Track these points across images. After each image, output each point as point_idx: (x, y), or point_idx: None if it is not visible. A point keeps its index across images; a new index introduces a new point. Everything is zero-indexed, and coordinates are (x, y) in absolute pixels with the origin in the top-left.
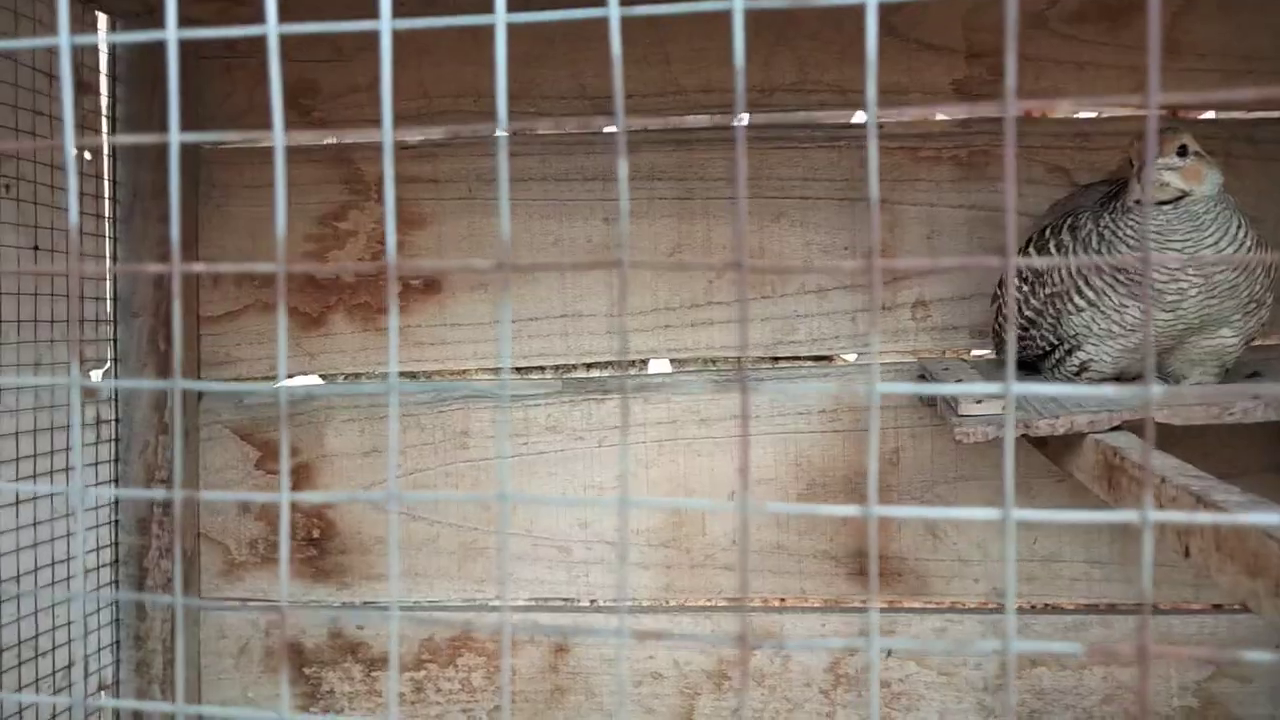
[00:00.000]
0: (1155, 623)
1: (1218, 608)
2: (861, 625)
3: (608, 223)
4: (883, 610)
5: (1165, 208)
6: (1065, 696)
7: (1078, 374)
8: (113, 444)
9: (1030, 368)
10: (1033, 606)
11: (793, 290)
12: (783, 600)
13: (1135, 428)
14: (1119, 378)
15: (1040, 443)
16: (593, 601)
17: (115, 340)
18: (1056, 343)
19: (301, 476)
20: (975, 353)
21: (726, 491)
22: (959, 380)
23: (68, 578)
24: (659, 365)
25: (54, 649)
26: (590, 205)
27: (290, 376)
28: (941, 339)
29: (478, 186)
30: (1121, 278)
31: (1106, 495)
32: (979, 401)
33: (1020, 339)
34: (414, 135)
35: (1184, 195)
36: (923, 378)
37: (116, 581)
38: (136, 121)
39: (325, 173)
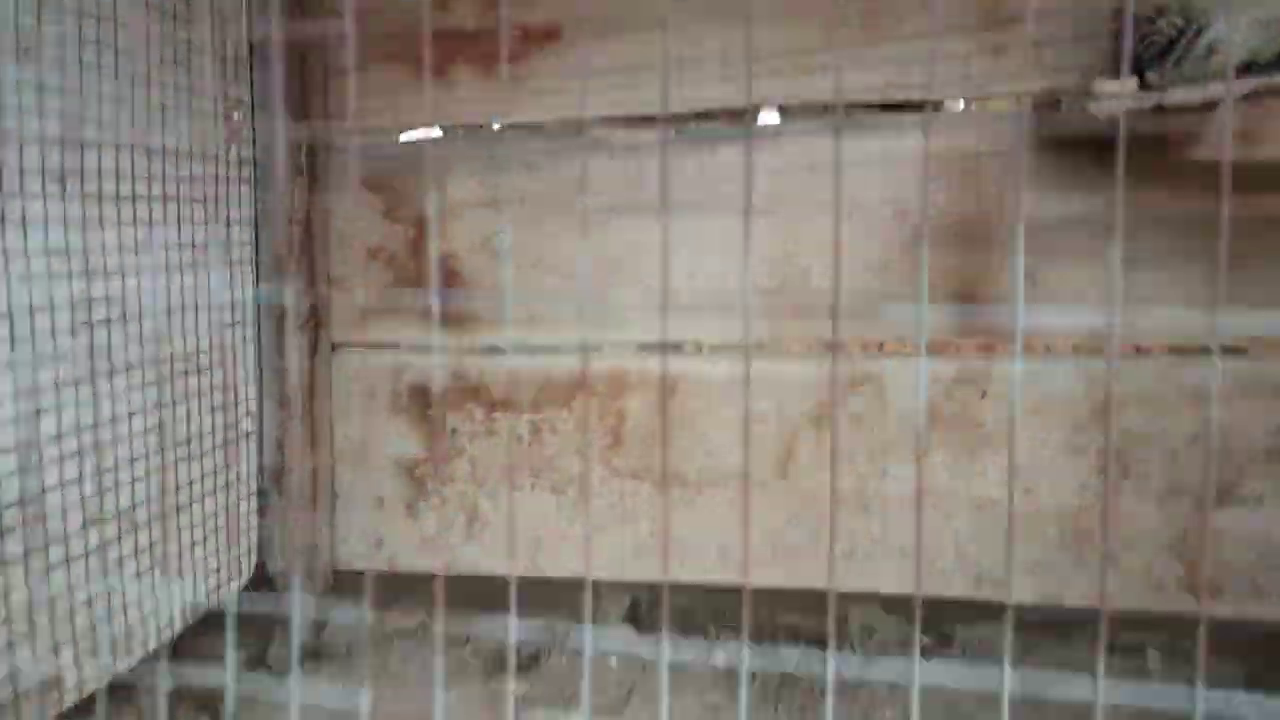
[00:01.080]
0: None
1: None
2: (959, 369)
3: None
4: (979, 354)
5: None
6: (1154, 437)
7: (1207, 58)
8: (253, 186)
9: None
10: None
11: (908, 33)
12: (881, 345)
13: None
14: (1250, 64)
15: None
16: (699, 347)
17: (252, 84)
18: (1183, 25)
19: (424, 226)
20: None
21: (830, 241)
22: None
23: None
24: (769, 115)
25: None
26: None
27: (414, 128)
28: (1056, 78)
29: None
30: None
31: None
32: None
33: (1145, 33)
34: None
35: None
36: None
37: (259, 320)
38: None
39: None
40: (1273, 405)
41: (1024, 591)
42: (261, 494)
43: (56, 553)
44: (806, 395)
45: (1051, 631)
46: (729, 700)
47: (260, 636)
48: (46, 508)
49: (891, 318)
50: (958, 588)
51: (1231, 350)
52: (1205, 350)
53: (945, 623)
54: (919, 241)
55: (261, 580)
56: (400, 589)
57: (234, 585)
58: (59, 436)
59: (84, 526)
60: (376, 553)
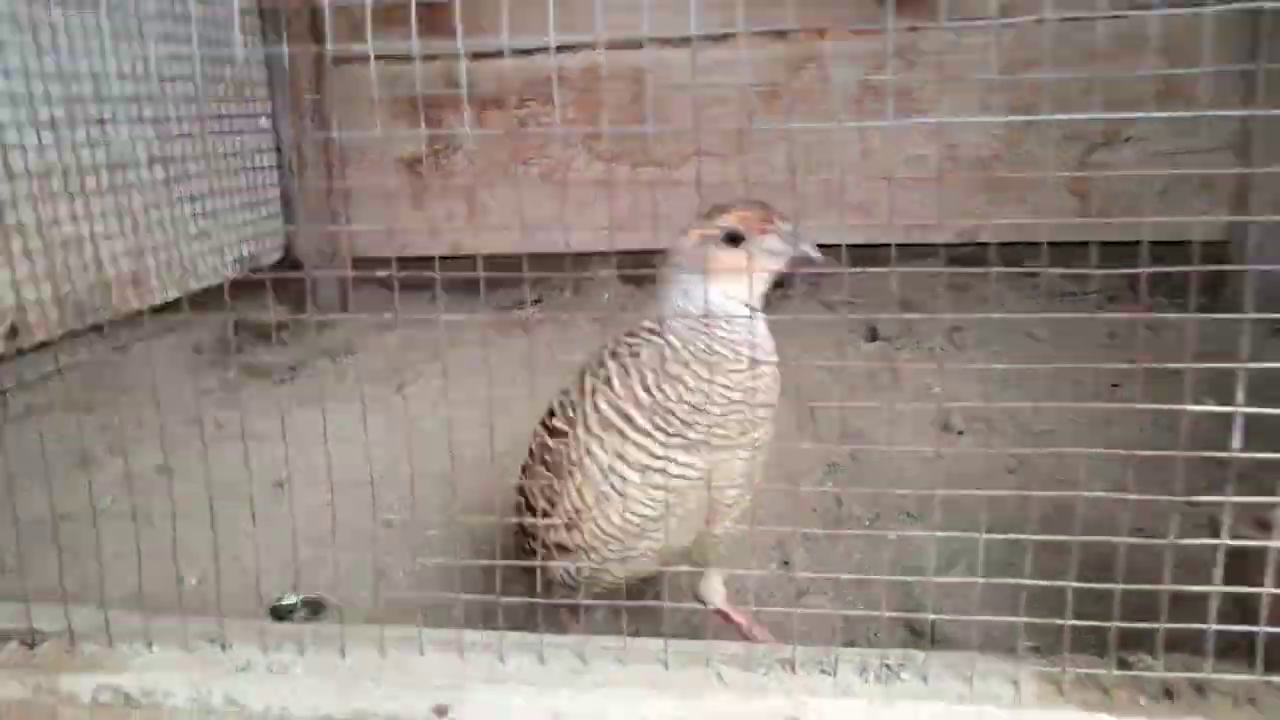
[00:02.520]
0: None
1: None
2: (889, 44)
3: None
4: (904, 30)
5: None
6: (1054, 94)
7: None
8: None
9: None
10: None
11: None
12: (822, 34)
13: None
14: None
15: None
16: (666, 40)
17: None
18: None
19: None
20: None
21: None
22: None
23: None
24: None
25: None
26: None
27: None
28: None
29: None
30: None
31: None
32: None
33: None
34: None
35: None
36: None
37: (264, 31)
38: None
39: None
40: (1149, 58)
41: (948, 234)
42: (283, 181)
43: (130, 174)
44: (759, 76)
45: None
46: None
47: (295, 301)
48: (119, 138)
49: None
50: (895, 234)
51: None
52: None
53: (881, 261)
54: None
55: (291, 264)
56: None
57: (266, 259)
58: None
59: (150, 163)
60: (388, 241)
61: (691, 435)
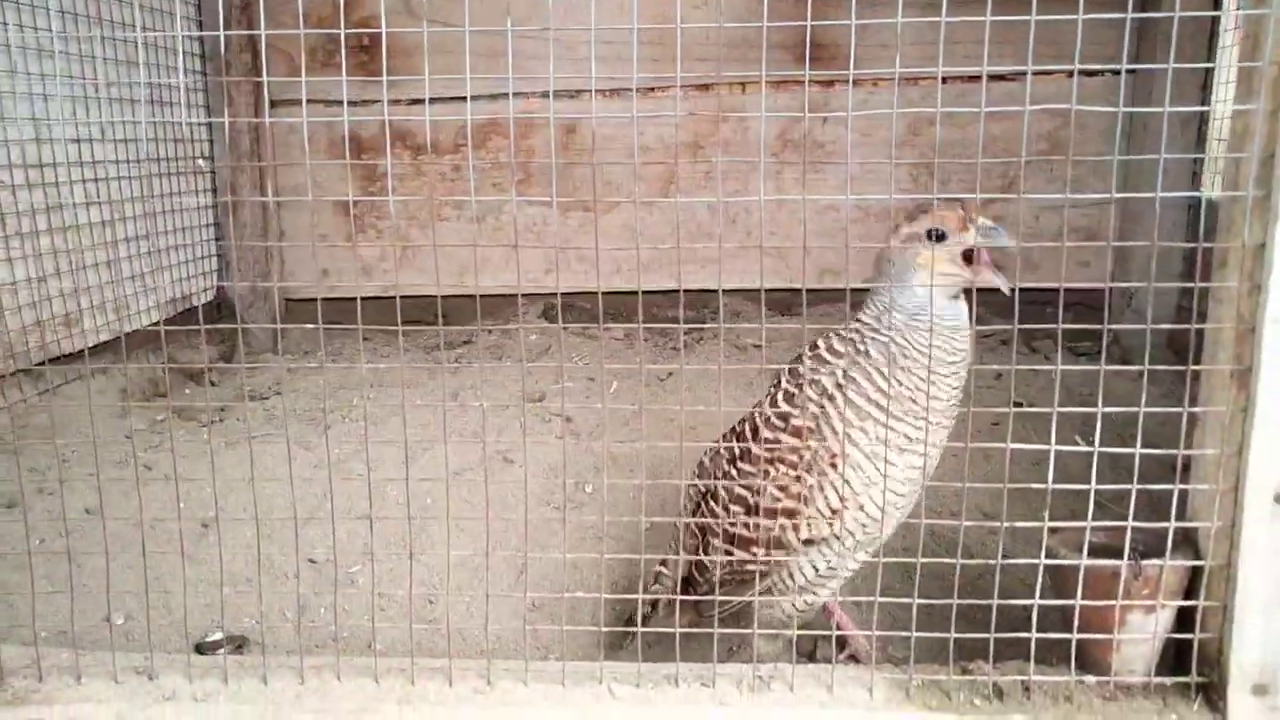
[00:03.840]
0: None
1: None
2: (803, 99)
3: None
4: (819, 86)
5: None
6: (954, 147)
7: None
8: None
9: None
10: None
11: None
12: (743, 88)
13: None
14: None
15: None
16: (595, 91)
17: None
18: None
19: None
20: None
21: None
22: None
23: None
24: None
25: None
26: None
27: None
28: None
29: None
30: None
31: None
32: None
33: None
34: None
35: None
36: None
37: (204, 70)
38: None
39: None
40: (1042, 118)
41: (855, 278)
42: (217, 225)
43: (67, 216)
44: (684, 128)
45: None
46: (624, 346)
47: (225, 341)
48: (58, 179)
49: (751, 62)
50: (808, 278)
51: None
52: (996, 78)
53: (797, 307)
54: None
55: (222, 304)
56: (345, 312)
57: (200, 298)
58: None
59: (87, 205)
60: (323, 280)
61: (932, 418)
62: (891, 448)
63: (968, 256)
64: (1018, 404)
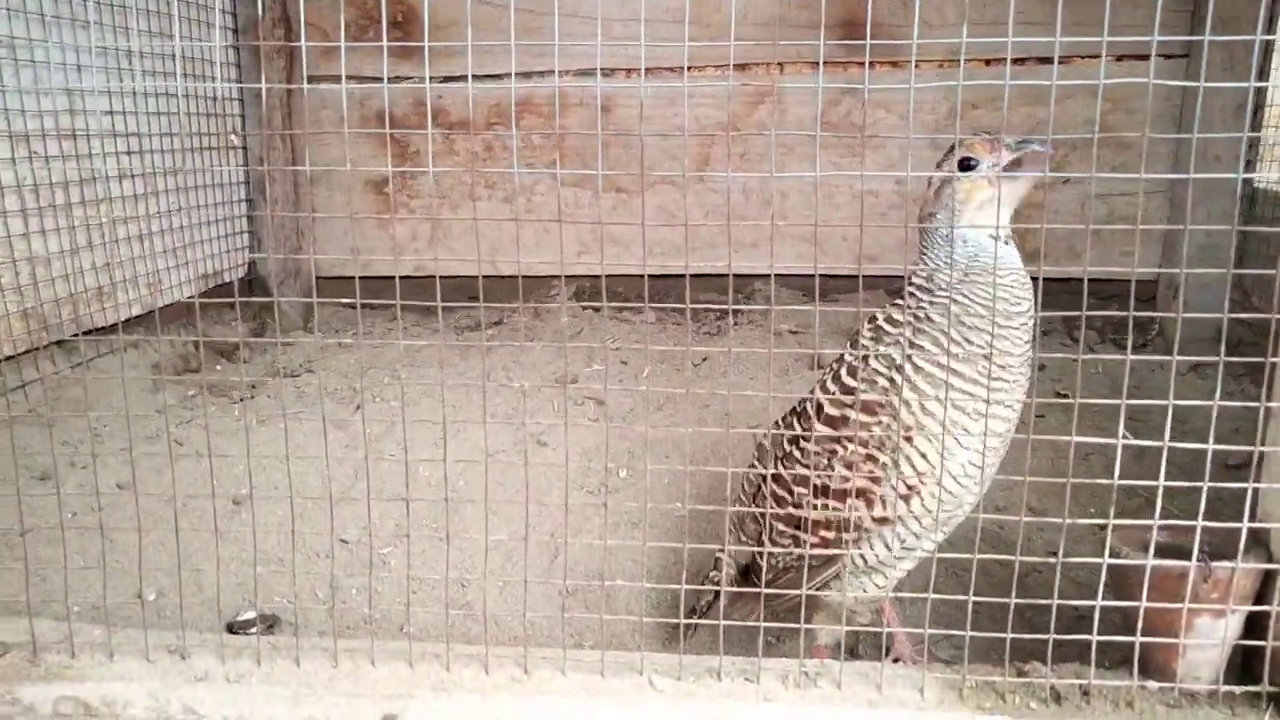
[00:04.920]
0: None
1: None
2: (845, 80)
3: None
4: (859, 68)
5: None
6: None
7: None
8: None
9: None
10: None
11: None
12: (781, 68)
13: None
14: None
15: None
16: (630, 71)
17: None
18: None
19: None
20: None
21: None
22: None
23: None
24: None
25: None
26: None
27: None
28: None
29: None
30: None
31: None
32: None
33: None
34: None
35: None
36: None
37: (238, 46)
38: None
39: None
40: (1089, 103)
41: (896, 267)
42: (249, 201)
43: (101, 188)
44: (721, 109)
45: None
46: (657, 329)
47: (256, 318)
48: (92, 150)
49: (790, 41)
50: (846, 263)
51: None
52: (1043, 60)
53: (832, 293)
54: None
55: (254, 280)
56: (374, 292)
57: (233, 274)
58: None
59: (120, 178)
60: (353, 260)
61: (1008, 377)
62: (971, 414)
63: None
64: (1060, 395)
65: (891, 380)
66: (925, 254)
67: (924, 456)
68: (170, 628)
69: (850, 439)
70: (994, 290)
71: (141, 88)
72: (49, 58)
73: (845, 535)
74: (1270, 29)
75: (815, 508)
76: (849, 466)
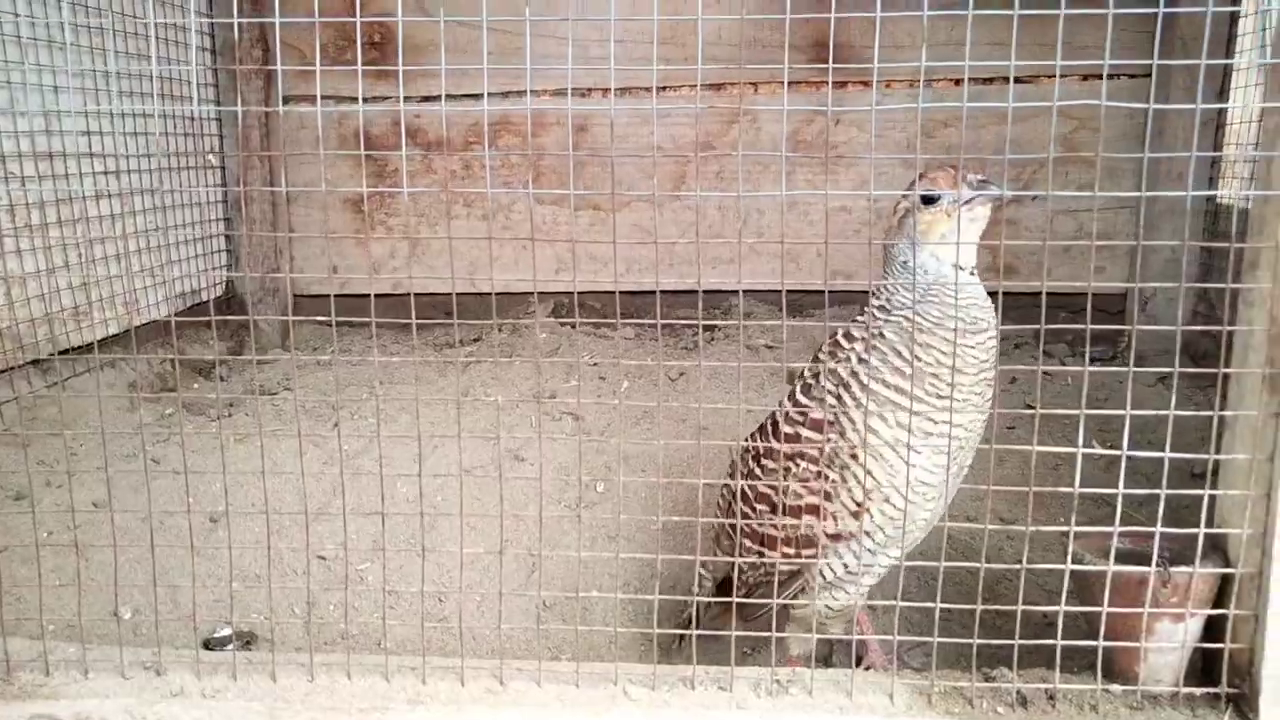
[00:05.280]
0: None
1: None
2: (819, 100)
3: None
4: (834, 91)
5: None
6: (968, 150)
7: None
8: None
9: None
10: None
11: None
12: (755, 88)
13: None
14: None
15: None
16: (605, 91)
17: None
18: None
19: None
20: None
21: None
22: None
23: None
24: None
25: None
26: None
27: None
28: None
29: None
30: None
31: None
32: None
33: None
34: None
35: None
36: None
37: (216, 68)
38: None
39: None
40: (1058, 121)
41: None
42: (227, 220)
43: (76, 208)
44: (696, 128)
45: None
46: (635, 345)
47: (234, 336)
48: (68, 170)
49: (763, 63)
50: (819, 280)
51: (1016, 80)
52: (1005, 79)
53: (808, 308)
54: None
55: (231, 299)
56: (352, 310)
57: (210, 293)
58: (87, 132)
59: (98, 197)
60: (332, 277)
61: (959, 396)
62: (916, 433)
63: None
64: (1029, 407)
65: (838, 397)
66: (887, 275)
67: (869, 474)
68: (146, 645)
69: (802, 456)
70: (956, 312)
71: (119, 109)
72: (25, 79)
73: (804, 551)
74: (1229, 52)
75: (775, 526)
76: (802, 482)
